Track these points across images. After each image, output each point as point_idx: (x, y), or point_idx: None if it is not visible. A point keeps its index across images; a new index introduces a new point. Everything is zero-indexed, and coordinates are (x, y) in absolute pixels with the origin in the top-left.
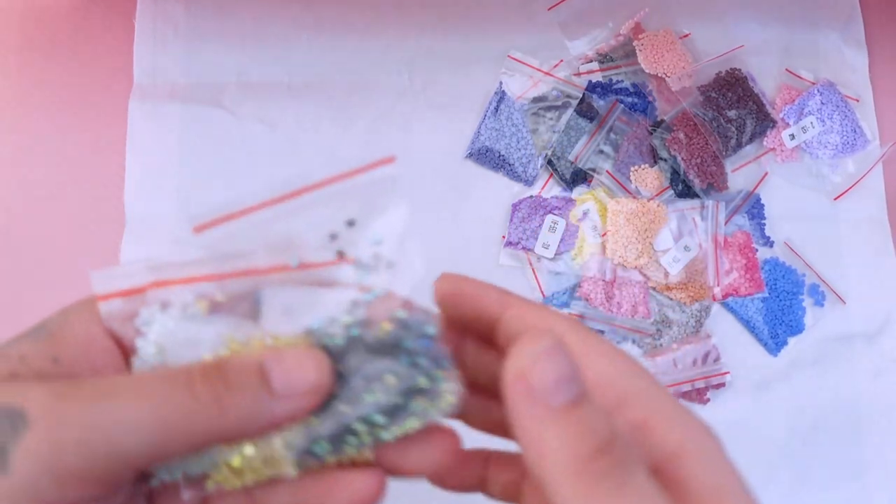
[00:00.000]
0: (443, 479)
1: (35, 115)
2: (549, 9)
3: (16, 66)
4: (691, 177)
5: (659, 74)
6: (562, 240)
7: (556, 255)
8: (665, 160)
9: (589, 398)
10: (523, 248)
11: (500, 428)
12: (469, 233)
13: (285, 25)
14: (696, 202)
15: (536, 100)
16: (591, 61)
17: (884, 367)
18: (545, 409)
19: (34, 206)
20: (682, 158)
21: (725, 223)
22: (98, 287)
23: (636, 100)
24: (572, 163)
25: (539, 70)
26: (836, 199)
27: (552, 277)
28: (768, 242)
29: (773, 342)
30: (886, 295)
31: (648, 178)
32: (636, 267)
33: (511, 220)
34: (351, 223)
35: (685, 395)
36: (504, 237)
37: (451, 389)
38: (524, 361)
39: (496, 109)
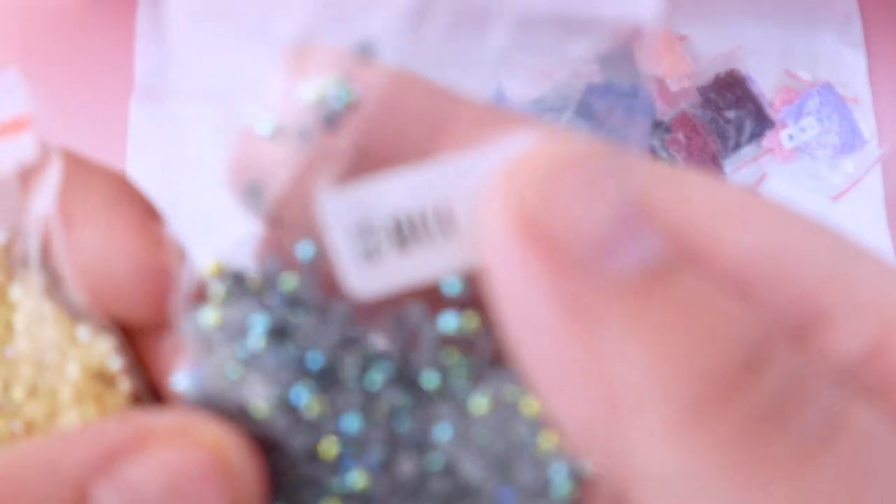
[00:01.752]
0: None
1: (35, 116)
2: None
3: (15, 66)
4: None
5: (658, 76)
6: None
7: None
8: (664, 160)
9: (695, 261)
10: None
11: None
12: None
13: (286, 25)
14: None
15: (535, 101)
16: (590, 62)
17: None
18: (603, 291)
19: None
20: (682, 159)
21: None
22: None
23: (635, 101)
24: None
25: (539, 71)
26: (834, 199)
27: None
28: None
29: None
30: None
31: None
32: None
33: None
34: None
35: None
36: None
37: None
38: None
39: None
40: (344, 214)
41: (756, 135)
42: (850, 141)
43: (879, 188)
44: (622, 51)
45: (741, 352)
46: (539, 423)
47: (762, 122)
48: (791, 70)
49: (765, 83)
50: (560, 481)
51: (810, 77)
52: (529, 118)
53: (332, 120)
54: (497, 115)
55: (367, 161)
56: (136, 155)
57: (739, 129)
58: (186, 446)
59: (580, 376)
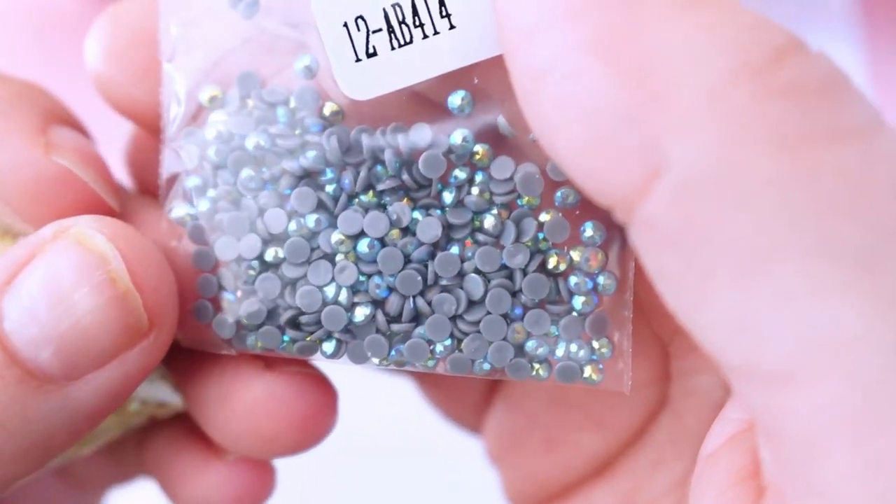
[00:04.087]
0: None
1: None
2: None
3: (15, 68)
4: None
5: None
6: None
7: None
8: None
9: None
10: None
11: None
12: None
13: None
14: None
15: None
16: None
17: None
18: None
19: None
20: None
21: None
22: None
23: None
24: None
25: None
26: None
27: None
28: None
29: None
30: None
31: None
32: None
33: None
34: None
35: None
36: None
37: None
38: None
39: None
40: (331, 8)
41: None
42: None
43: None
44: None
45: (778, 39)
46: (550, 243)
47: None
48: None
49: None
50: (580, 295)
51: None
52: None
53: None
54: None
55: None
56: None
57: None
58: (61, 246)
59: (617, 54)
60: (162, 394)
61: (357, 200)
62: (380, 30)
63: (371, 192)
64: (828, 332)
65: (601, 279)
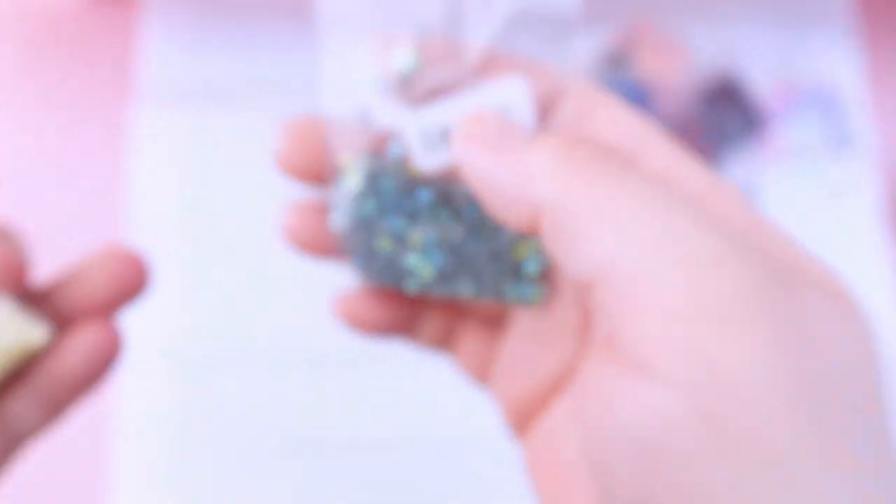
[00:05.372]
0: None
1: (37, 123)
2: None
3: (17, 72)
4: None
5: (655, 76)
6: None
7: None
8: None
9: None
10: None
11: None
12: None
13: (293, 28)
14: None
15: None
16: (589, 63)
17: None
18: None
19: (36, 212)
20: None
21: None
22: None
23: (634, 101)
24: None
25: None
26: (829, 198)
27: None
28: None
29: None
30: (883, 295)
31: None
32: None
33: None
34: None
35: None
36: None
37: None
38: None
39: None
40: (414, 125)
41: (750, 134)
42: (845, 140)
43: (874, 187)
44: (621, 50)
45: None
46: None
47: (756, 122)
48: (786, 69)
49: (760, 82)
50: (531, 265)
51: (806, 76)
52: (523, 62)
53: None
54: (496, 59)
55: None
56: (142, 163)
57: (733, 129)
58: None
59: (506, 173)
60: (22, 332)
61: None
62: (435, 135)
63: None
64: None
65: None
